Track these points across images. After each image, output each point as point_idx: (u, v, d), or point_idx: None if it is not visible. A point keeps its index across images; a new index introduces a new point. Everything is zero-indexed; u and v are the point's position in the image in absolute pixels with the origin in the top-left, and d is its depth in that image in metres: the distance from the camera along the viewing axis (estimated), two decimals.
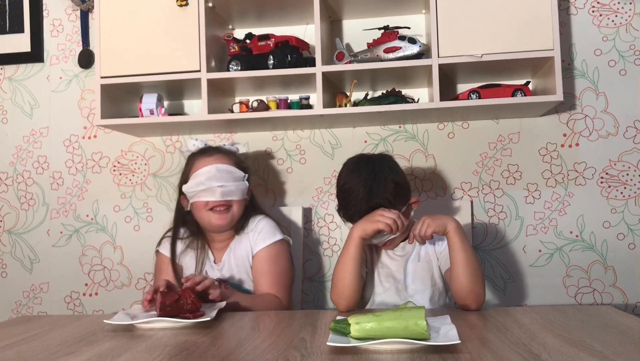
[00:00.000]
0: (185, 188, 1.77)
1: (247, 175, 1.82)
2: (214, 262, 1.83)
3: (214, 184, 1.72)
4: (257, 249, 1.79)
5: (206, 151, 1.82)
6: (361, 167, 1.65)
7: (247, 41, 2.05)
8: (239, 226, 1.82)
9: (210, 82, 1.97)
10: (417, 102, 2.06)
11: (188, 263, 1.83)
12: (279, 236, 1.81)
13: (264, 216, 1.87)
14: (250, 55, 2.02)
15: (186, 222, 1.85)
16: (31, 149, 2.37)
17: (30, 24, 2.36)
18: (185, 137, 2.29)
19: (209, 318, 1.37)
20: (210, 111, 1.97)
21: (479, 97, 1.91)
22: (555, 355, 1.04)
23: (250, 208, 1.86)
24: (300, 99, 2.10)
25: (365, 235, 1.55)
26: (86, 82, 2.34)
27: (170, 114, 2.10)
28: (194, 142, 1.88)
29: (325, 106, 1.92)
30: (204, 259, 1.82)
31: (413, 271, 1.69)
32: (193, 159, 1.81)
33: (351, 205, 1.61)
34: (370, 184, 1.59)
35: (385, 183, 1.60)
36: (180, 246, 1.83)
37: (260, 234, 1.80)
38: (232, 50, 2.04)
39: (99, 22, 2.02)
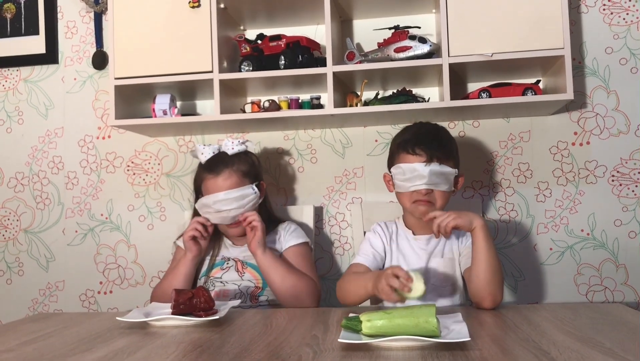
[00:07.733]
0: (197, 206, 1.81)
1: (256, 184, 1.81)
2: (233, 244, 1.89)
3: (222, 209, 1.75)
4: (287, 245, 1.84)
5: (214, 167, 1.79)
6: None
7: (259, 42, 2.07)
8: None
9: (222, 82, 1.99)
10: (428, 101, 2.07)
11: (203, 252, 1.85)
12: (307, 239, 1.89)
13: (291, 221, 1.96)
14: (262, 55, 2.04)
15: None
16: (46, 150, 2.40)
17: (45, 26, 2.39)
18: (198, 137, 2.31)
19: (220, 316, 1.39)
20: (222, 111, 1.99)
21: (490, 96, 1.92)
22: (565, 352, 1.04)
23: (264, 208, 1.90)
24: (312, 98, 2.11)
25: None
26: (100, 83, 2.37)
27: (183, 115, 2.12)
28: (202, 150, 1.84)
29: (336, 105, 1.94)
30: (220, 246, 1.88)
31: (435, 267, 1.68)
32: (203, 174, 1.82)
33: (410, 131, 1.72)
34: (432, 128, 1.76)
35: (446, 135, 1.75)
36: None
37: (292, 233, 1.88)
38: (244, 50, 2.06)
39: (112, 24, 2.05)
